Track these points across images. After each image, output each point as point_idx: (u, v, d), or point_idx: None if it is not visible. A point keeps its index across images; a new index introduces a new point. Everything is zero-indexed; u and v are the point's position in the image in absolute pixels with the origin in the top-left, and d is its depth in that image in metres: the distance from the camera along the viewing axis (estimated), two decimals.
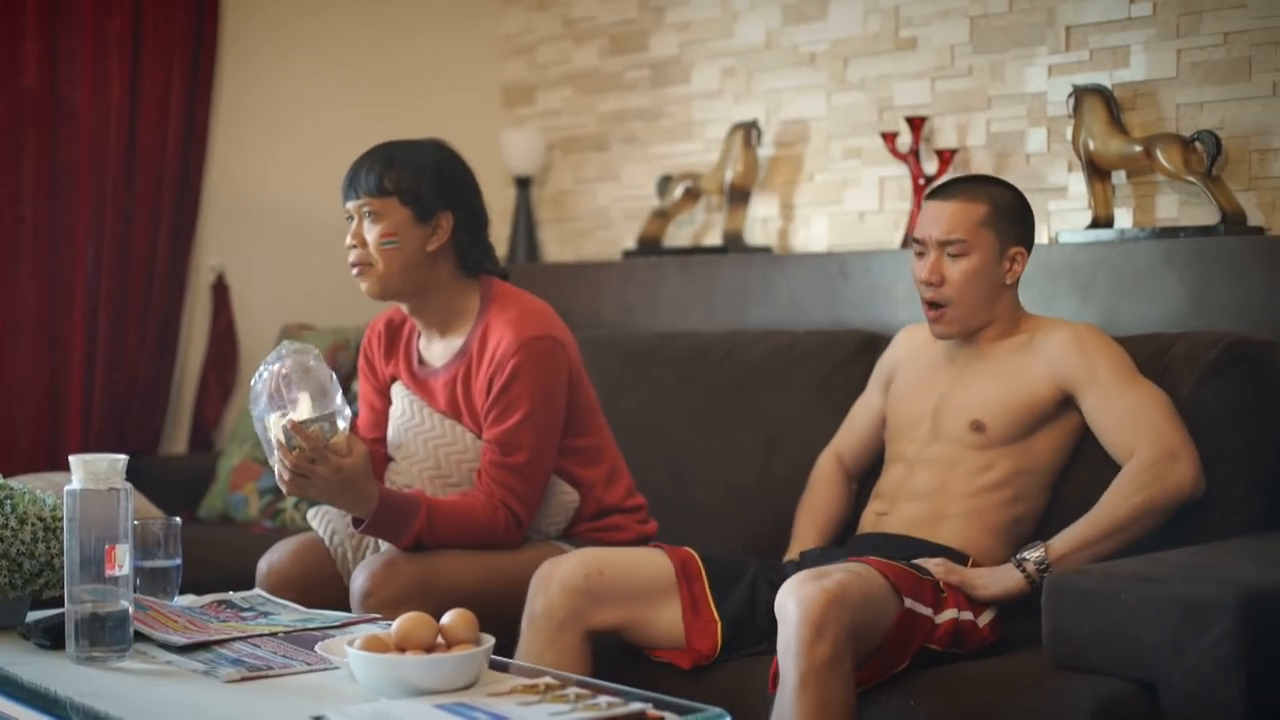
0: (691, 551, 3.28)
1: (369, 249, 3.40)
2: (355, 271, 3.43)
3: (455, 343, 3.50)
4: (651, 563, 3.24)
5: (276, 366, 3.05)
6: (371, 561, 3.30)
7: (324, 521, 3.53)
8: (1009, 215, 3.31)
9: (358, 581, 3.27)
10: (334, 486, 3.14)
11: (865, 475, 3.56)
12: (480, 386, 3.43)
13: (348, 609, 3.30)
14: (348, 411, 3.11)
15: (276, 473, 3.12)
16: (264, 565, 3.51)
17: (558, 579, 3.14)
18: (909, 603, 2.91)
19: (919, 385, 3.43)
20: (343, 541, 3.50)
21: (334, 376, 3.08)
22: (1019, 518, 3.24)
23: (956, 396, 3.33)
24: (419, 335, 3.57)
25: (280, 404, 3.05)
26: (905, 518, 3.28)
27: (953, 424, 3.30)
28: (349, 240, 3.42)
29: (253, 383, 3.09)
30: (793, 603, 2.78)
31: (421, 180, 3.41)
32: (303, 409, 3.06)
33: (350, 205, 3.43)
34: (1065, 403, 3.25)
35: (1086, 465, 3.27)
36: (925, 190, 4.21)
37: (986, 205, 3.30)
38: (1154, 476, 3.08)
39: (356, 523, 3.28)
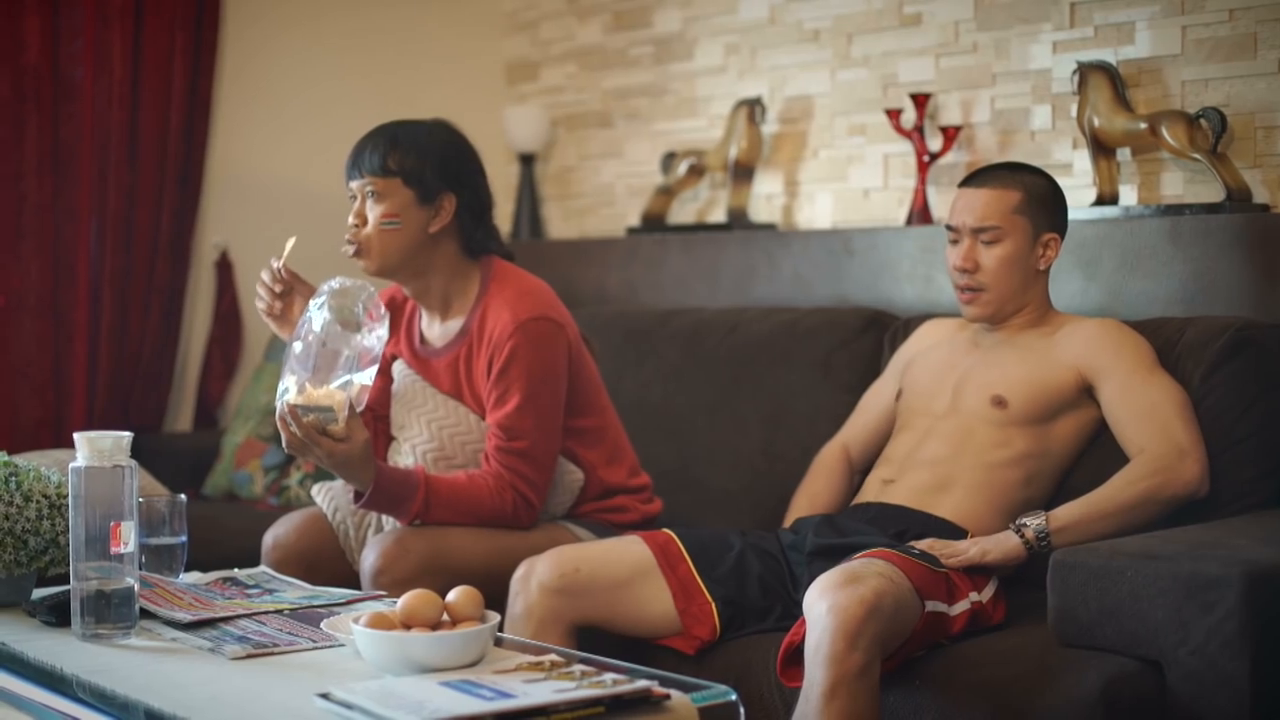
0: (670, 534, 3.28)
1: (368, 229, 3.40)
2: (351, 251, 3.42)
3: (456, 323, 3.50)
4: (628, 552, 3.24)
5: (318, 321, 3.12)
6: (382, 539, 3.31)
7: (328, 498, 3.55)
8: (1042, 201, 3.33)
9: (368, 559, 3.28)
10: (329, 463, 3.19)
11: (871, 466, 3.54)
12: (481, 368, 3.44)
13: (351, 584, 3.32)
14: (363, 382, 3.13)
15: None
16: (269, 539, 3.52)
17: (535, 580, 3.16)
18: (929, 605, 2.92)
19: (940, 365, 3.45)
20: (345, 518, 3.51)
21: (369, 334, 3.13)
22: (1027, 500, 3.24)
23: (980, 373, 3.34)
24: (420, 314, 3.56)
25: (304, 355, 3.14)
26: (911, 485, 3.28)
27: (974, 398, 3.31)
28: (350, 220, 3.42)
29: (301, 320, 3.16)
30: (826, 608, 2.76)
31: (426, 162, 3.41)
32: (301, 393, 3.11)
33: (354, 184, 3.43)
34: (1086, 393, 3.27)
35: (1096, 464, 3.27)
36: (928, 167, 4.21)
37: (1020, 192, 3.32)
38: (1160, 469, 3.09)
39: (357, 497, 3.30)
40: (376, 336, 3.14)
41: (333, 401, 3.12)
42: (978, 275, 3.34)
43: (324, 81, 5.28)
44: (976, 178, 3.40)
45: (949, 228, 3.40)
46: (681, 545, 3.25)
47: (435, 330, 3.52)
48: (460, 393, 3.48)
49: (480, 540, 3.36)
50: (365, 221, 3.41)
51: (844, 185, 4.53)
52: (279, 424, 3.16)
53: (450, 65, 5.50)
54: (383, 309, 3.18)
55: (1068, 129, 4.00)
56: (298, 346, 3.15)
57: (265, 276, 3.45)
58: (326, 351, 3.13)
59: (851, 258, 4.26)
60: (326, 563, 3.48)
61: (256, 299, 3.47)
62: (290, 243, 3.40)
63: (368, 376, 3.14)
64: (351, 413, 3.14)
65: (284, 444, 3.20)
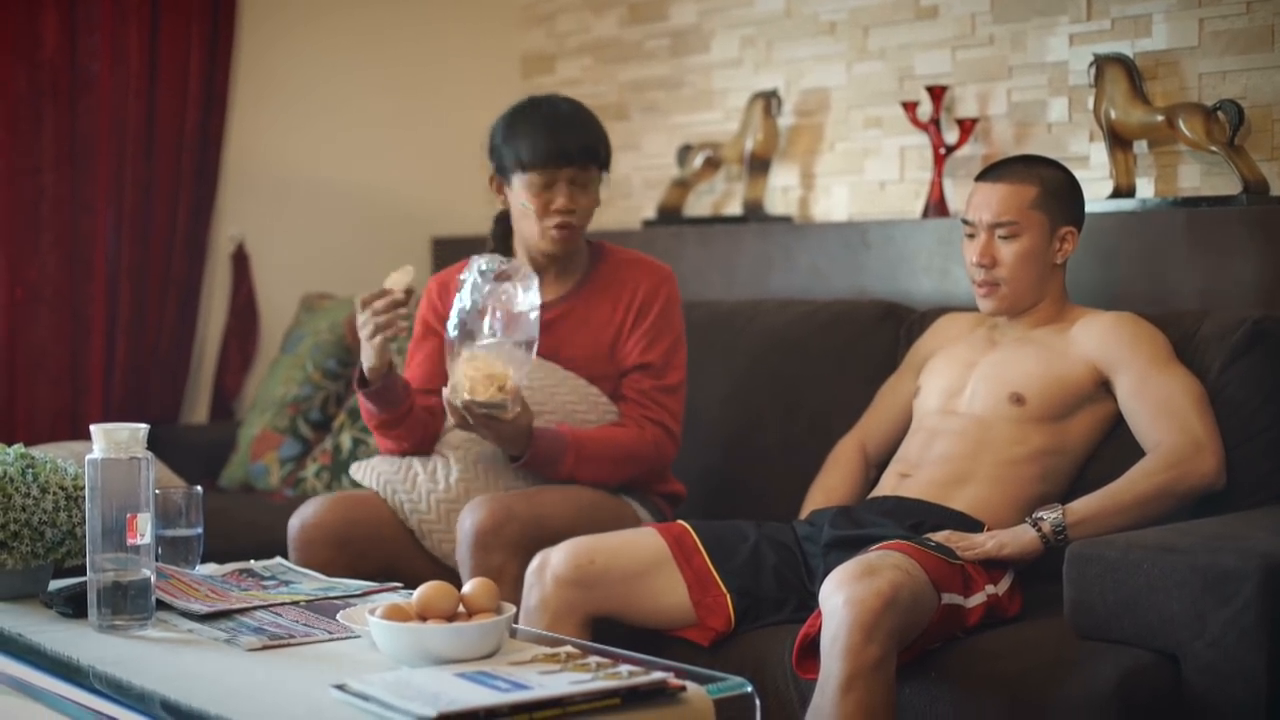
0: (684, 525, 3.28)
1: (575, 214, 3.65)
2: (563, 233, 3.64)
3: (564, 285, 3.72)
4: (643, 543, 3.24)
5: (482, 300, 3.38)
6: (483, 503, 3.40)
7: (372, 474, 3.65)
8: (1059, 195, 3.33)
9: (468, 521, 3.38)
10: (493, 439, 3.49)
11: (887, 462, 3.53)
12: (604, 320, 3.69)
13: (386, 558, 3.50)
14: (524, 370, 3.38)
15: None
16: (296, 523, 3.55)
17: (550, 572, 3.17)
18: (946, 597, 2.91)
19: (957, 362, 3.44)
20: (396, 490, 3.60)
21: (519, 291, 3.40)
22: (1044, 495, 3.23)
23: (997, 371, 3.33)
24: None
25: (469, 338, 3.38)
26: (928, 479, 3.28)
27: (991, 395, 3.30)
28: (563, 202, 3.61)
29: (458, 298, 3.41)
30: (842, 600, 2.76)
31: (606, 143, 3.72)
32: (473, 390, 3.33)
33: (558, 172, 3.61)
34: (1102, 386, 3.26)
35: (1112, 456, 3.26)
36: (945, 159, 4.21)
37: (1036, 186, 3.31)
38: (1177, 462, 3.08)
39: (513, 459, 3.55)
40: (527, 298, 3.39)
41: (505, 395, 3.34)
42: (995, 270, 3.34)
43: (339, 74, 5.29)
44: (993, 171, 3.39)
45: (965, 222, 3.39)
46: (696, 537, 3.25)
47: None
48: (556, 344, 3.63)
49: (570, 503, 3.51)
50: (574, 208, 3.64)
51: (860, 178, 4.53)
52: (448, 407, 3.40)
53: (466, 58, 5.50)
54: (531, 273, 3.45)
55: (1084, 121, 3.99)
56: (453, 330, 3.39)
57: (381, 306, 3.48)
58: (479, 307, 3.39)
59: (868, 250, 4.25)
60: (359, 540, 3.51)
61: (380, 330, 3.48)
62: (408, 270, 3.51)
63: (525, 359, 3.38)
64: (517, 398, 3.36)
65: (454, 424, 3.47)
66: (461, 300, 3.41)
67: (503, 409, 3.35)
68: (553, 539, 3.28)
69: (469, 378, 3.34)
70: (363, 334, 3.48)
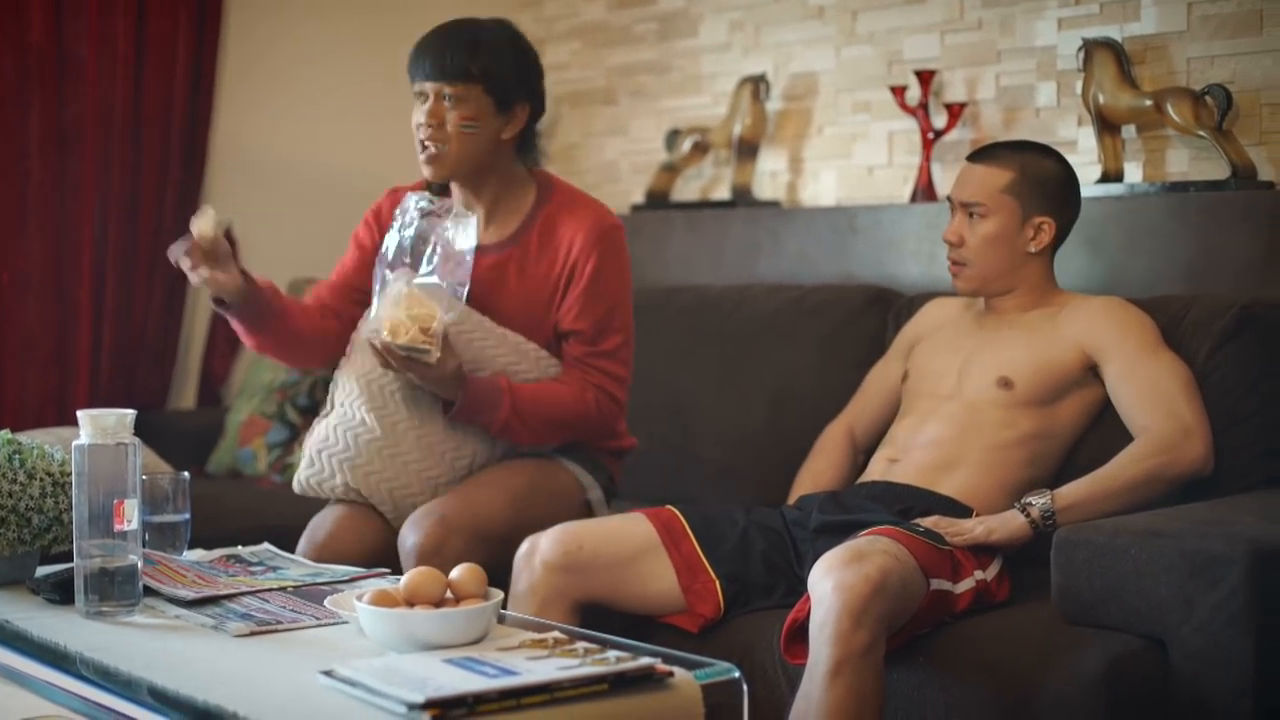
0: (673, 510, 3.28)
1: (444, 130, 3.41)
2: (428, 151, 3.43)
3: (505, 229, 3.53)
4: (632, 529, 3.23)
5: (416, 236, 3.35)
6: (419, 518, 3.31)
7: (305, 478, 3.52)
8: (1038, 184, 3.32)
9: (410, 539, 3.29)
10: (422, 383, 3.34)
11: (875, 447, 3.53)
12: (541, 273, 3.49)
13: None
14: (449, 316, 3.27)
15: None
16: (302, 547, 3.43)
17: (538, 557, 3.16)
18: (934, 583, 2.91)
19: (945, 346, 3.44)
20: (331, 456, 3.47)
21: (457, 228, 3.35)
22: (1032, 479, 3.23)
23: (985, 355, 3.33)
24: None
25: (400, 274, 3.31)
26: (916, 463, 3.28)
27: (979, 380, 3.30)
28: (423, 119, 3.42)
29: (387, 241, 3.38)
30: (831, 586, 2.76)
31: (507, 69, 3.44)
32: (394, 331, 3.23)
33: (428, 86, 3.42)
34: (1090, 371, 3.26)
35: (1100, 441, 3.26)
36: (933, 144, 4.22)
37: (1013, 172, 3.31)
38: (1165, 447, 3.09)
39: (446, 408, 3.41)
40: (463, 238, 3.32)
41: (427, 339, 3.22)
42: (962, 250, 3.36)
43: (328, 58, 5.28)
44: (979, 153, 3.40)
45: (948, 199, 3.41)
46: (685, 522, 3.24)
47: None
48: (494, 295, 3.48)
49: (506, 493, 3.40)
50: (441, 123, 3.41)
51: (848, 162, 4.53)
52: (370, 347, 3.30)
53: None
54: (467, 214, 3.37)
55: (1073, 106, 3.99)
56: (385, 273, 3.31)
57: (182, 250, 3.35)
58: (412, 247, 3.33)
59: (856, 235, 4.25)
60: (378, 551, 3.43)
61: (191, 274, 3.37)
62: (208, 213, 3.35)
63: (456, 302, 3.31)
64: (444, 342, 3.25)
65: (379, 364, 3.33)
66: (394, 236, 3.35)
67: (425, 353, 3.24)
68: (499, 535, 3.27)
69: (390, 318, 3.24)
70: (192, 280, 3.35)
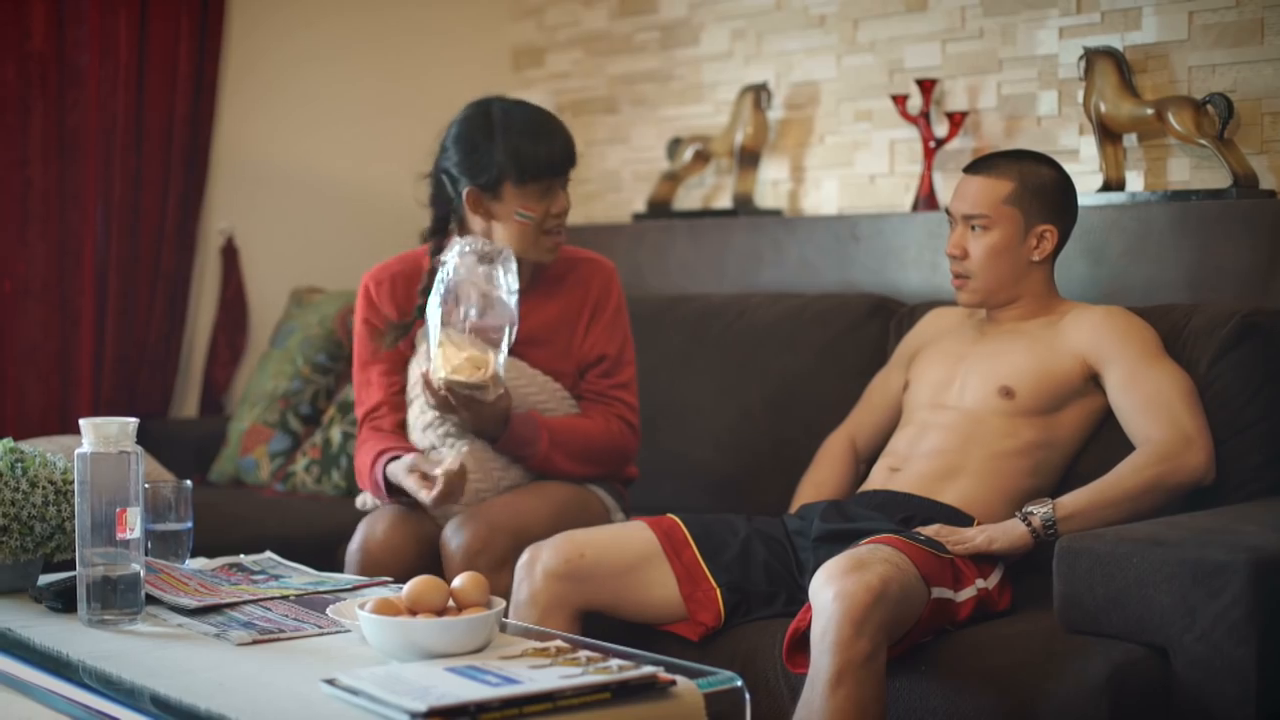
0: (674, 519, 3.28)
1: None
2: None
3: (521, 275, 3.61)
4: (634, 537, 3.24)
5: (458, 281, 3.40)
6: (464, 521, 3.41)
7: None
8: (1039, 193, 3.32)
9: (455, 540, 3.38)
10: (469, 418, 3.46)
11: (876, 456, 3.52)
12: (557, 316, 3.65)
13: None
14: (503, 354, 3.39)
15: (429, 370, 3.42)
16: (356, 544, 3.50)
17: (540, 566, 3.17)
18: (936, 592, 2.91)
19: (946, 356, 3.44)
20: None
21: (502, 277, 3.43)
22: (1034, 488, 3.24)
23: (986, 364, 3.33)
24: None
25: (449, 317, 3.39)
26: (918, 472, 3.28)
27: (981, 389, 3.30)
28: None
29: (439, 280, 3.43)
30: (832, 594, 2.76)
31: None
32: (456, 368, 3.35)
33: (555, 180, 3.56)
34: (1092, 380, 3.26)
35: (1102, 450, 3.26)
36: (935, 152, 4.21)
37: (1013, 183, 3.31)
38: (1166, 456, 3.09)
39: (490, 441, 3.55)
40: (507, 281, 3.42)
41: (485, 378, 3.36)
42: (965, 263, 3.36)
43: (330, 67, 5.28)
44: (977, 164, 3.40)
45: (946, 211, 3.41)
46: (686, 530, 3.25)
47: None
48: (521, 343, 3.57)
49: (548, 503, 3.52)
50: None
51: (850, 171, 4.53)
52: (425, 389, 3.41)
53: (456, 50, 5.49)
54: (511, 256, 3.47)
55: (1074, 115, 3.99)
56: (436, 310, 3.40)
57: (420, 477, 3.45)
58: (460, 290, 3.41)
59: (857, 244, 4.25)
60: (423, 558, 3.49)
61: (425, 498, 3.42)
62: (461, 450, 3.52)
63: (503, 343, 3.40)
64: (496, 382, 3.38)
65: (431, 405, 3.45)
66: (443, 280, 3.41)
67: (484, 390, 3.37)
68: (540, 540, 3.28)
69: (449, 359, 3.36)
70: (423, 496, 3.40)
